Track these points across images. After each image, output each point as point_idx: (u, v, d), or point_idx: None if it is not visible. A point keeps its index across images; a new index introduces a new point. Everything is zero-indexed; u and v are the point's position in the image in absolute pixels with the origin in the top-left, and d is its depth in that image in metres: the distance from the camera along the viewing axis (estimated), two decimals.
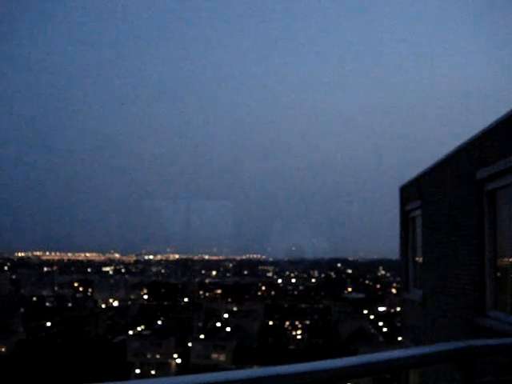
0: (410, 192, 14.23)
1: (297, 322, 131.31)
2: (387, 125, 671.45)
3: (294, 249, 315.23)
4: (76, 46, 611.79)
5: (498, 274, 8.25)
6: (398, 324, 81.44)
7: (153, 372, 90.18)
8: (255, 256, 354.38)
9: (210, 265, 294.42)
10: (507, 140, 7.47)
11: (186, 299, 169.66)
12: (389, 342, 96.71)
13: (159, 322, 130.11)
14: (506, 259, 8.14)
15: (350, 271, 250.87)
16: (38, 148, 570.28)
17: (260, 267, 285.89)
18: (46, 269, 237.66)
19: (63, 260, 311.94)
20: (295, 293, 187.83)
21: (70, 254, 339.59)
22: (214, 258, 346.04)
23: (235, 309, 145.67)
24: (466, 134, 9.18)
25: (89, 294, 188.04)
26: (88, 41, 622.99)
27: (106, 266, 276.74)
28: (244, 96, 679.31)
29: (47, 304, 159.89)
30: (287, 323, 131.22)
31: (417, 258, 14.01)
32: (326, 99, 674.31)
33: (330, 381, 3.06)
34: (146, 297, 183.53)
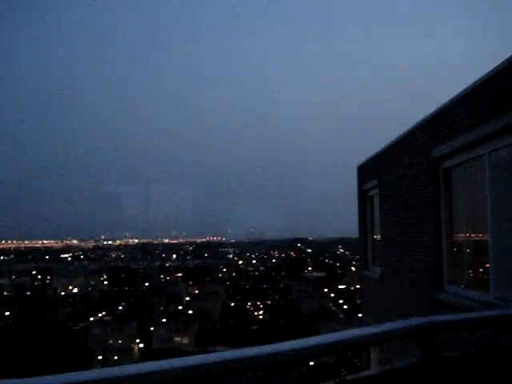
0: (368, 171, 14.34)
1: (258, 303, 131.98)
2: (348, 105, 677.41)
3: (253, 230, 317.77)
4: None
5: (455, 250, 8.41)
6: (358, 301, 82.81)
7: (115, 358, 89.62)
8: (215, 238, 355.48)
9: (170, 248, 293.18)
10: (463, 118, 7.56)
11: (146, 284, 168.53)
12: (349, 318, 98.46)
13: (120, 308, 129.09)
14: (461, 235, 8.28)
15: (310, 250, 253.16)
16: None
17: (220, 249, 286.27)
18: (2, 257, 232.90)
19: (20, 248, 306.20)
20: (256, 273, 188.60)
21: (26, 242, 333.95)
22: (174, 241, 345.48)
23: (197, 291, 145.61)
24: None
25: (48, 281, 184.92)
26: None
27: (65, 252, 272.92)
28: (202, 79, 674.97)
29: (5, 293, 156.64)
30: (249, 304, 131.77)
31: (375, 236, 14.18)
32: (285, 80, 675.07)
33: (294, 362, 3.07)
34: (106, 283, 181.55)
